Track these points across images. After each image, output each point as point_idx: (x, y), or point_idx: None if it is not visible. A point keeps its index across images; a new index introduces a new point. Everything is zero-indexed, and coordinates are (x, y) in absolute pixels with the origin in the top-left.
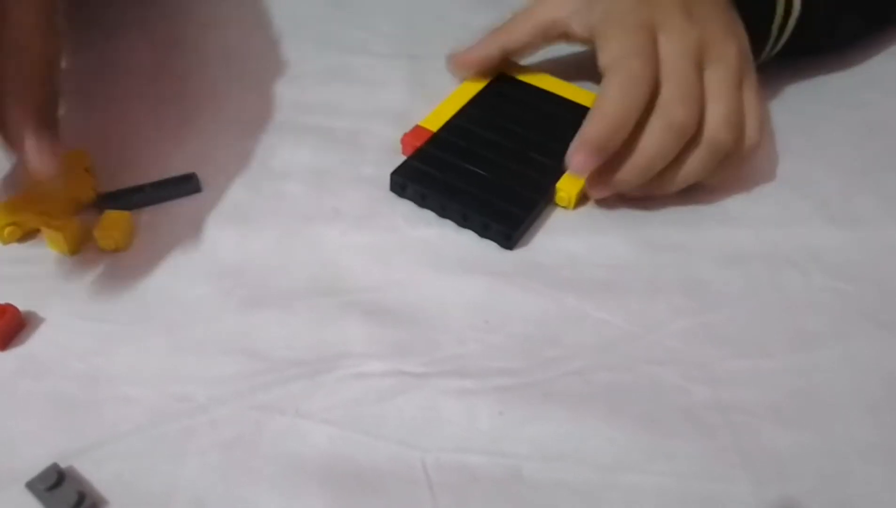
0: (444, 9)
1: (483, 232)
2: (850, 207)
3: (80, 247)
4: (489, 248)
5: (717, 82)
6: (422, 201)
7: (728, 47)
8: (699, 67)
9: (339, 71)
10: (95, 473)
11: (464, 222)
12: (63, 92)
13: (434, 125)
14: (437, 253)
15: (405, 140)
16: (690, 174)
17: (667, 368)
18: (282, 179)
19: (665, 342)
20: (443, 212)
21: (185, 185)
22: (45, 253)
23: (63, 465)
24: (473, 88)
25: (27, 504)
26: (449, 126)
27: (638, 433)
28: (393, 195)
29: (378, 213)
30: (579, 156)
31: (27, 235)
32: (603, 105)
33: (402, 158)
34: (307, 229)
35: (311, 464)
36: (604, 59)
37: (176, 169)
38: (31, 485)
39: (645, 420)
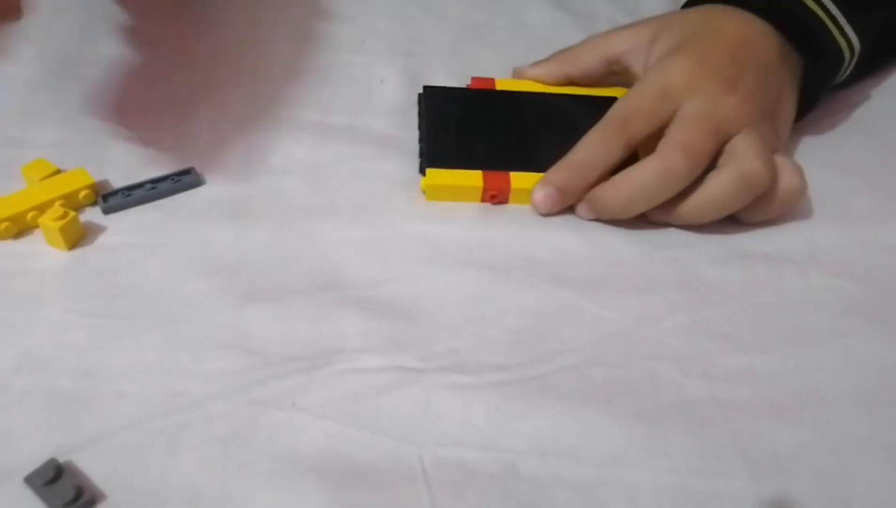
0: (440, 5)
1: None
2: (848, 204)
3: (77, 243)
4: (486, 242)
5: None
6: (418, 118)
7: (750, 136)
8: (715, 134)
9: (336, 68)
10: (91, 468)
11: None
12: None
13: (503, 86)
14: (433, 248)
15: (474, 79)
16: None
17: (664, 364)
18: (279, 175)
19: (662, 337)
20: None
21: (184, 180)
22: (42, 249)
23: (60, 460)
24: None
25: (25, 498)
26: (506, 92)
27: (635, 429)
28: (389, 191)
29: (374, 208)
30: (538, 192)
31: (24, 231)
32: (571, 153)
33: (399, 156)
34: (304, 223)
35: (308, 459)
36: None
37: (175, 165)
38: (30, 480)
39: (642, 416)
